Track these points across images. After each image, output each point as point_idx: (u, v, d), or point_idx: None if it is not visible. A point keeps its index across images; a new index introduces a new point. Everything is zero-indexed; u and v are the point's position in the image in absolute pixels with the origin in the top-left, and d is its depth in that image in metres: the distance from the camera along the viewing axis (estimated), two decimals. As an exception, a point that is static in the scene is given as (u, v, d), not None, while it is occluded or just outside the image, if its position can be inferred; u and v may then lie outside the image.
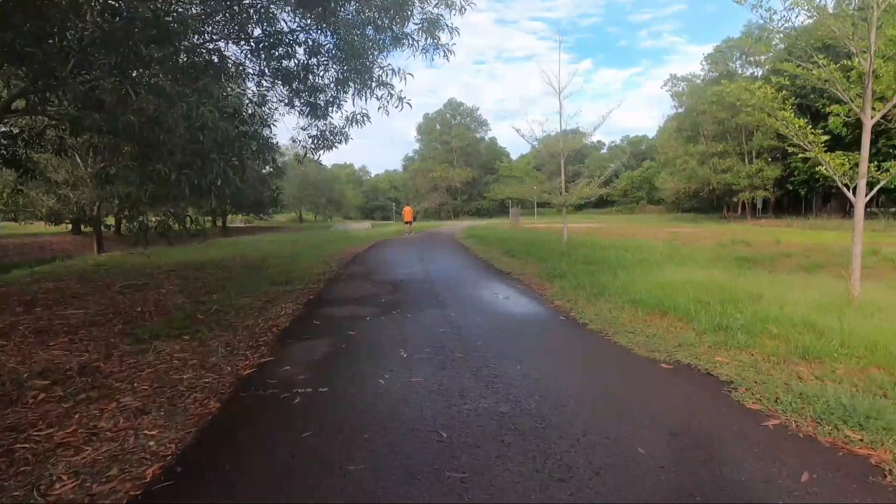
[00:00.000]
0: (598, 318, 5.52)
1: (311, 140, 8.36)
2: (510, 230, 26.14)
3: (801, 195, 37.55)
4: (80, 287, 9.59)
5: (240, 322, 6.20)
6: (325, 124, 9.96)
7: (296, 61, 8.08)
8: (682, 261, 11.00)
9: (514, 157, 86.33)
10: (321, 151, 8.52)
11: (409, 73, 6.49)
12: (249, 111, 9.95)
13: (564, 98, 15.23)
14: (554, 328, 5.28)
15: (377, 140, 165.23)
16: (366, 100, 7.25)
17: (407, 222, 26.51)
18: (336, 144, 10.64)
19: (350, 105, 9.40)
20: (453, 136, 74.67)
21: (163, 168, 4.52)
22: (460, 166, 72.69)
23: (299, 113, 8.66)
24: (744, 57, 41.31)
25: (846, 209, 37.63)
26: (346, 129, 10.58)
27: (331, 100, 9.09)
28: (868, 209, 34.07)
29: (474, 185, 74.34)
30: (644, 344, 4.47)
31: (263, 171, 49.69)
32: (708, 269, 9.51)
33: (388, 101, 6.99)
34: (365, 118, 7.35)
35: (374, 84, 7.01)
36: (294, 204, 69.71)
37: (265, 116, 9.81)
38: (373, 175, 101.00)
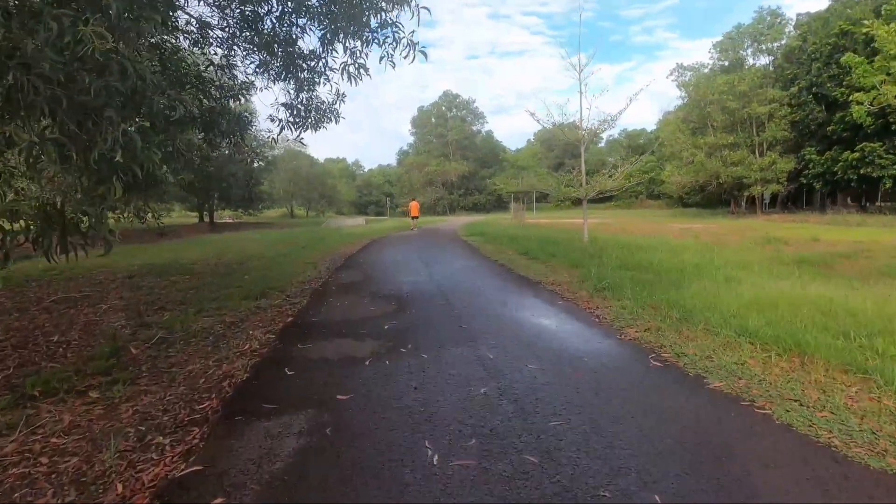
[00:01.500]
0: (714, 367, 3.66)
1: (288, 112, 6.43)
2: (515, 226, 24.29)
3: (815, 189, 35.92)
4: (2, 301, 7.65)
5: (182, 364, 4.31)
6: (309, 98, 8.06)
7: (269, 9, 6.18)
8: (739, 265, 9.21)
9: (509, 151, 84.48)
10: (301, 130, 6.58)
11: (425, 7, 4.55)
12: (217, 82, 8.02)
13: (585, 78, 13.34)
14: (659, 388, 3.40)
15: (371, 134, 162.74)
16: (364, 48, 5.32)
17: (414, 217, 26.43)
18: (324, 124, 8.75)
19: (341, 53, 7.52)
20: (449, 129, 72.48)
21: (12, 129, 2.63)
22: (457, 160, 70.57)
23: (274, 79, 6.75)
24: (755, 45, 39.52)
25: (862, 203, 36.10)
26: (337, 106, 8.71)
27: (313, 64, 7.16)
28: (877, 204, 32.43)
29: (471, 180, 72.27)
30: (845, 432, 2.60)
31: (255, 164, 47.61)
32: (784, 278, 7.74)
33: (393, 48, 5.05)
34: (362, 71, 5.40)
35: (374, 27, 5.08)
36: (285, 199, 67.41)
37: (235, 87, 7.86)
38: (366, 169, 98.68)
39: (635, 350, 4.21)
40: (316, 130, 8.66)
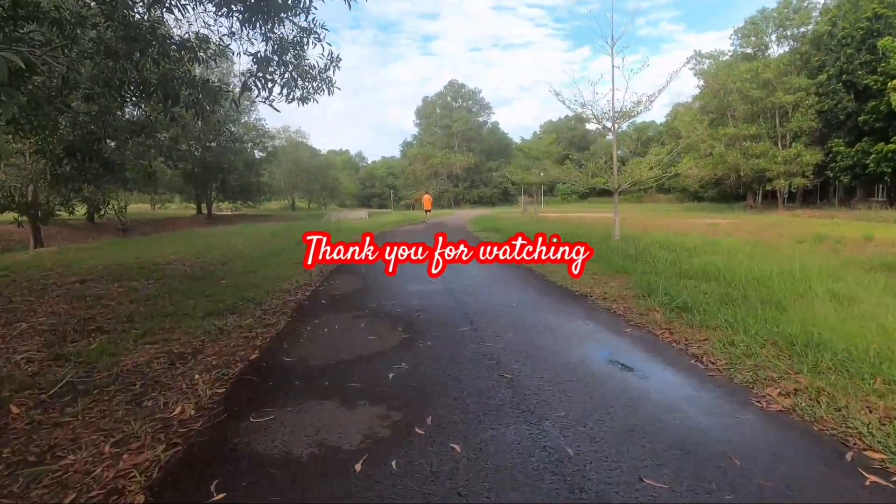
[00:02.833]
0: None
1: (257, 66, 4.73)
2: (527, 221, 22.58)
3: (843, 182, 33.93)
4: None
5: (63, 448, 2.67)
6: (296, 58, 6.37)
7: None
8: (824, 273, 7.46)
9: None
10: (271, 91, 4.88)
11: None
12: (176, 39, 6.29)
13: (619, 51, 11.59)
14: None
15: (374, 128, 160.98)
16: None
17: (427, 210, 28.11)
18: (314, 96, 7.06)
19: None
20: (454, 120, 70.53)
21: None
22: (462, 152, 68.67)
23: (241, 22, 5.04)
24: (780, 30, 37.38)
25: (892, 198, 34.13)
26: (331, 72, 7.02)
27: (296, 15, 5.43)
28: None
29: (476, 172, 70.38)
30: None
31: (257, 155, 45.83)
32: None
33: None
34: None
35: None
36: (286, 191, 65.71)
37: (195, 45, 6.13)
38: (369, 162, 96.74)
39: (809, 438, 2.51)
40: (305, 103, 6.98)
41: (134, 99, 6.68)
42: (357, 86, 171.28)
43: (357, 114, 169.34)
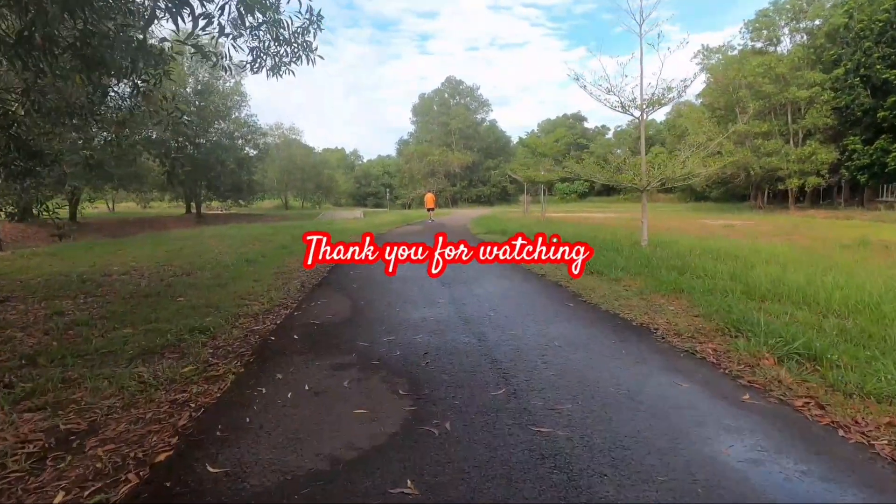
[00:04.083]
0: None
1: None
2: (532, 222, 21.01)
3: (861, 182, 32.52)
4: None
5: None
6: (268, 17, 4.83)
7: None
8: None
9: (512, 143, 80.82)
10: (194, 33, 3.32)
11: None
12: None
13: (646, 31, 10.09)
14: None
15: (370, 126, 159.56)
16: None
17: (430, 209, 27.88)
18: (289, 65, 5.53)
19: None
20: (452, 117, 68.84)
21: None
22: (460, 150, 66.97)
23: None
24: (793, 23, 35.93)
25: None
26: (311, 37, 5.48)
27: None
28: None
29: (475, 171, 68.73)
30: None
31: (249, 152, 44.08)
32: None
33: None
34: None
35: None
36: (279, 189, 63.89)
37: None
38: (365, 160, 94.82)
39: None
40: (278, 74, 5.45)
41: (49, 66, 5.08)
42: (354, 84, 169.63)
43: (353, 111, 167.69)
